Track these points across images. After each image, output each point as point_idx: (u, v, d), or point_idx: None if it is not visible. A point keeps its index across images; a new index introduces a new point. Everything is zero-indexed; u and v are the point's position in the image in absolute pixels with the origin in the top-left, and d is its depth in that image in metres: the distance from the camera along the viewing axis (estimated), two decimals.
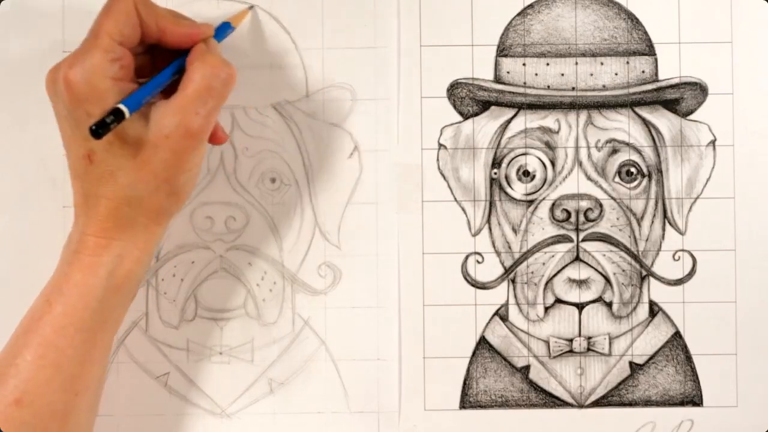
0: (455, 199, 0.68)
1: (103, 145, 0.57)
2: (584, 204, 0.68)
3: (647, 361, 0.68)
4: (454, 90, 0.68)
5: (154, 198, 0.58)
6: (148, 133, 0.57)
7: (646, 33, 0.68)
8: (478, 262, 0.68)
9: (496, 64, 0.68)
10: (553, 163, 0.68)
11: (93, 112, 0.56)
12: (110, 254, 0.58)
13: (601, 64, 0.68)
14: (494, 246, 0.68)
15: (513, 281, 0.68)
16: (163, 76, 0.59)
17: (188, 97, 0.57)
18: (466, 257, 0.68)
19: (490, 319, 0.68)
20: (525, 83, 0.68)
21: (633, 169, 0.68)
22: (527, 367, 0.68)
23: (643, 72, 0.68)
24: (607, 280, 0.68)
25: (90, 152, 0.57)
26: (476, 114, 0.68)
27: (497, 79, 0.68)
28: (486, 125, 0.68)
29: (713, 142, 0.68)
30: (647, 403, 0.68)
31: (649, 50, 0.68)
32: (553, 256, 0.68)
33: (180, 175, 0.58)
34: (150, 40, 0.60)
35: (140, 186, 0.57)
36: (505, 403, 0.68)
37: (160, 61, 0.60)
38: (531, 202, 0.68)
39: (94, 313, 0.58)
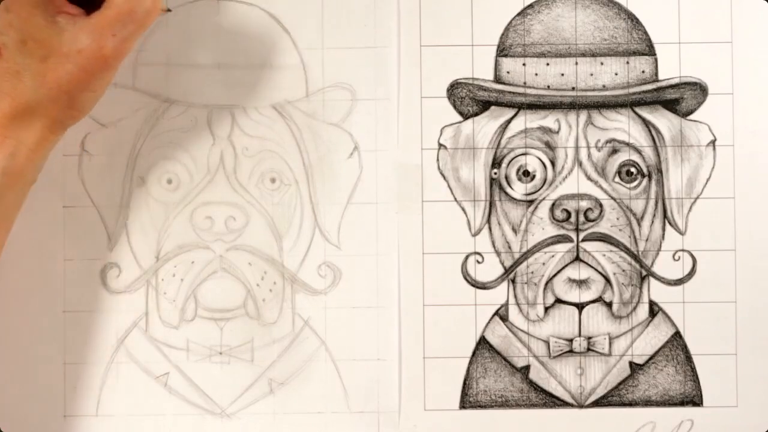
0: (455, 199, 0.68)
1: (16, 43, 0.57)
2: (584, 204, 0.68)
3: (647, 361, 0.68)
4: (454, 90, 0.68)
5: (52, 106, 0.58)
6: (62, 43, 0.57)
7: (646, 33, 0.68)
8: (478, 262, 0.68)
9: (496, 64, 0.68)
10: (553, 163, 0.68)
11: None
12: (4, 151, 0.58)
13: (601, 64, 0.68)
14: (494, 246, 0.68)
15: (513, 281, 0.68)
16: None
17: (108, 17, 0.57)
18: (466, 257, 0.68)
19: (490, 319, 0.68)
20: (525, 83, 0.68)
21: (633, 169, 0.68)
22: (527, 367, 0.68)
23: (643, 72, 0.68)
24: (607, 280, 0.68)
25: (1, 46, 0.58)
26: (476, 114, 0.68)
27: (497, 79, 0.68)
28: (486, 125, 0.68)
29: (713, 142, 0.68)
30: (647, 403, 0.68)
31: (649, 50, 0.68)
32: (553, 256, 0.68)
33: (82, 92, 0.58)
34: None
35: (42, 91, 0.58)
36: (505, 403, 0.68)
37: None
38: (531, 202, 0.68)
39: None
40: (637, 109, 0.68)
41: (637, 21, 0.68)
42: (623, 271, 0.68)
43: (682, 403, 0.68)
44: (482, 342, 0.68)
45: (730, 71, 0.68)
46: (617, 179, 0.68)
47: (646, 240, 0.68)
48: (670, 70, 0.68)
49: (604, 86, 0.68)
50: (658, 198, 0.68)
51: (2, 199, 0.59)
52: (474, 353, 0.68)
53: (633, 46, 0.68)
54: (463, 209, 0.68)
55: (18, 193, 0.61)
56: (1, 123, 0.58)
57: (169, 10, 0.64)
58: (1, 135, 0.58)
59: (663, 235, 0.68)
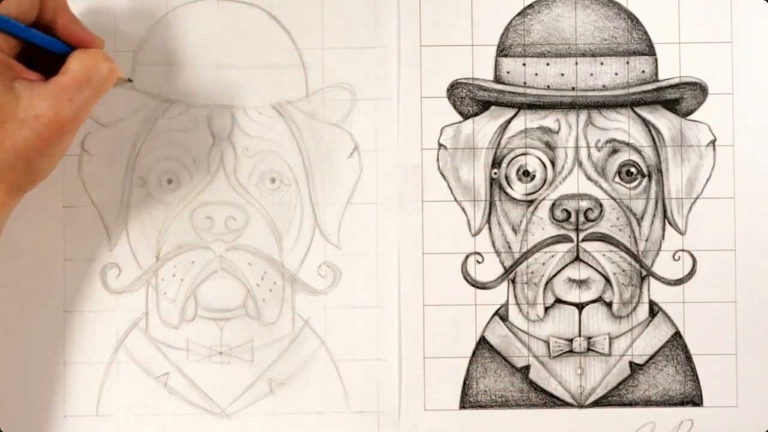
0: (455, 199, 0.68)
1: None
2: (584, 204, 0.68)
3: (647, 361, 0.68)
4: (454, 90, 0.68)
5: (9, 172, 0.58)
6: (18, 108, 0.57)
7: (646, 33, 0.68)
8: (478, 262, 0.68)
9: (496, 64, 0.68)
10: (553, 163, 0.68)
11: None
12: None
13: (601, 64, 0.68)
14: (494, 246, 0.68)
15: (513, 281, 0.68)
16: (41, 37, 0.58)
17: (64, 84, 0.57)
18: (466, 257, 0.68)
19: (490, 319, 0.68)
20: (525, 83, 0.68)
21: (633, 169, 0.68)
22: (527, 367, 0.68)
23: (643, 72, 0.68)
24: (607, 280, 0.68)
25: None
26: (476, 114, 0.68)
27: (497, 79, 0.68)
28: (486, 125, 0.68)
29: (713, 142, 0.68)
30: (647, 403, 0.68)
31: (649, 50, 0.68)
32: (553, 256, 0.68)
33: (39, 158, 0.58)
34: (42, 24, 0.59)
35: None
36: (505, 403, 0.68)
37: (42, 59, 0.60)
38: (531, 202, 0.68)
39: None
40: (637, 109, 0.68)
41: (637, 21, 0.68)
42: (623, 271, 0.68)
43: (682, 403, 0.68)
44: (482, 342, 0.68)
45: (730, 71, 0.68)
46: (617, 179, 0.68)
47: (646, 240, 0.68)
48: (670, 70, 0.68)
49: (604, 86, 0.68)
50: (658, 198, 0.68)
51: None
52: (474, 353, 0.68)
53: (633, 46, 0.68)
54: (463, 209, 0.68)
55: None
56: None
57: (129, 80, 0.64)
58: None
59: (663, 235, 0.68)
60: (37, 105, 0.57)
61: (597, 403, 0.68)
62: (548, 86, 0.68)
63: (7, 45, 0.58)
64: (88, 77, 0.58)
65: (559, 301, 0.68)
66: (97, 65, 0.58)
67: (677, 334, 0.68)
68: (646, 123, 0.68)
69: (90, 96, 0.58)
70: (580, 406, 0.68)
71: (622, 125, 0.68)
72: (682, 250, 0.68)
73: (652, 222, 0.68)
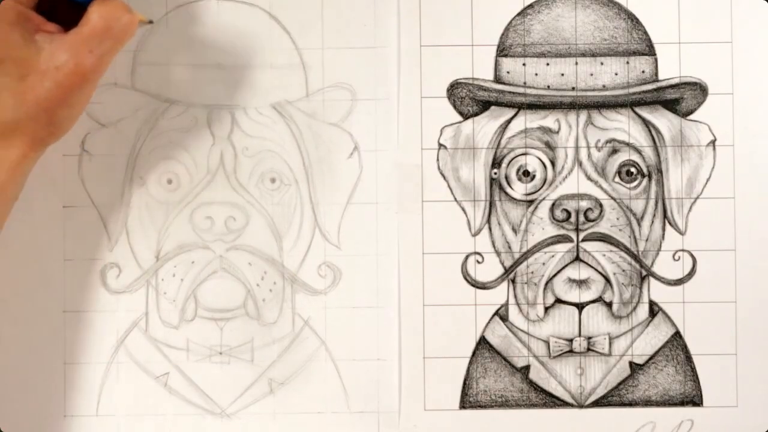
0: (455, 199, 0.68)
1: None
2: (584, 204, 0.68)
3: (647, 361, 0.68)
4: (454, 90, 0.68)
5: (32, 124, 0.58)
6: (39, 60, 0.57)
7: (646, 33, 0.68)
8: (478, 262, 0.68)
9: (496, 64, 0.68)
10: (553, 163, 0.68)
11: None
12: None
13: (601, 64, 0.68)
14: (494, 246, 0.68)
15: (513, 281, 0.68)
16: None
17: (84, 34, 0.58)
18: (466, 257, 0.68)
19: (490, 319, 0.68)
20: (525, 83, 0.68)
21: (633, 169, 0.68)
22: (527, 367, 0.68)
23: (643, 72, 0.68)
24: (607, 280, 0.68)
25: None
26: (476, 114, 0.68)
27: (497, 79, 0.68)
28: (486, 125, 0.68)
29: (713, 142, 0.68)
30: (647, 403, 0.68)
31: (649, 50, 0.68)
32: (553, 256, 0.68)
33: (62, 109, 0.58)
34: None
35: (21, 110, 0.58)
36: (505, 403, 0.68)
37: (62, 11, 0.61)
38: (531, 202, 0.68)
39: None
40: (637, 109, 0.68)
41: (637, 21, 0.68)
42: (623, 271, 0.68)
43: (682, 403, 0.68)
44: (482, 342, 0.68)
45: (730, 71, 0.68)
46: (617, 179, 0.68)
47: (646, 240, 0.68)
48: (670, 70, 0.68)
49: (604, 86, 0.68)
50: (658, 198, 0.68)
51: None
52: (474, 353, 0.68)
53: (633, 46, 0.68)
54: (463, 209, 0.68)
55: (0, 210, 0.61)
56: None
57: (150, 22, 0.64)
58: None
59: (663, 235, 0.68)
60: (58, 56, 0.57)
61: (597, 403, 0.68)
62: (548, 86, 0.68)
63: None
64: (108, 28, 0.58)
65: (559, 301, 0.68)
66: (117, 16, 0.58)
67: (677, 334, 0.68)
68: (646, 123, 0.68)
69: (111, 46, 0.58)
70: (580, 406, 0.68)
71: (622, 125, 0.68)
72: (682, 250, 0.68)
73: (652, 222, 0.68)
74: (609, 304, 0.68)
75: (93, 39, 0.58)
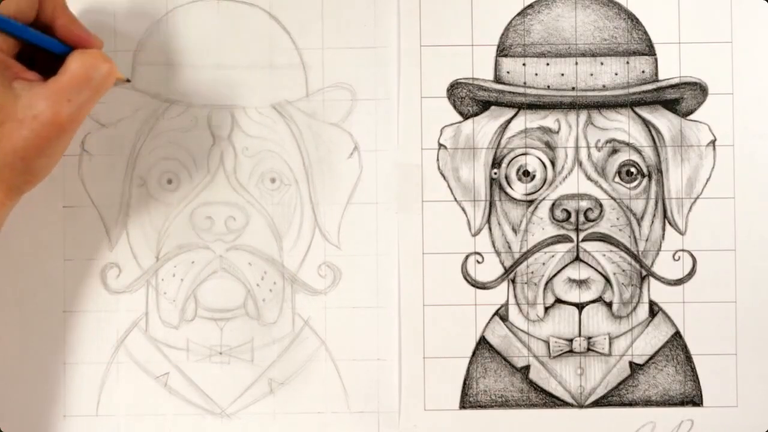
0: (455, 199, 0.68)
1: None
2: (584, 204, 0.68)
3: (647, 361, 0.68)
4: (454, 90, 0.68)
5: (7, 172, 0.58)
6: (17, 108, 0.57)
7: (646, 33, 0.68)
8: (478, 262, 0.68)
9: (496, 64, 0.68)
10: (553, 163, 0.68)
11: None
12: None
13: (601, 64, 0.68)
14: (494, 246, 0.68)
15: (513, 281, 0.68)
16: (40, 37, 0.58)
17: (63, 83, 0.57)
18: (466, 257, 0.68)
19: (490, 319, 0.68)
20: (525, 83, 0.68)
21: (633, 169, 0.68)
22: (527, 367, 0.68)
23: (643, 72, 0.68)
24: (607, 280, 0.68)
25: None
26: (476, 114, 0.68)
27: (497, 79, 0.68)
28: (486, 125, 0.68)
29: (713, 142, 0.68)
30: (647, 403, 0.68)
31: (649, 50, 0.68)
32: (553, 256, 0.68)
33: (39, 158, 0.58)
34: (41, 24, 0.59)
35: None
36: (505, 403, 0.68)
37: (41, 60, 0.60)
38: (531, 202, 0.68)
39: None
40: (637, 109, 0.68)
41: (637, 21, 0.68)
42: (623, 271, 0.68)
43: (682, 403, 0.68)
44: (482, 342, 0.68)
45: (730, 71, 0.68)
46: (617, 179, 0.68)
47: (646, 240, 0.68)
48: (670, 70, 0.68)
49: (604, 86, 0.68)
50: (658, 198, 0.68)
51: None
52: (474, 353, 0.68)
53: (633, 46, 0.68)
54: (463, 209, 0.68)
55: None
56: None
57: (128, 80, 0.64)
58: None
59: (663, 235, 0.68)
60: (36, 105, 0.57)
61: (597, 403, 0.68)
62: (548, 86, 0.68)
63: (6, 45, 0.58)
64: (87, 78, 0.58)
65: (559, 301, 0.68)
66: (97, 66, 0.58)
67: (677, 334, 0.68)
68: (646, 123, 0.68)
69: (89, 96, 0.58)
70: (580, 406, 0.68)
71: (622, 125, 0.68)
72: (682, 250, 0.68)
73: (652, 222, 0.68)
74: (609, 304, 0.68)
75: (72, 88, 0.57)
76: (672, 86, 0.68)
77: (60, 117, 0.57)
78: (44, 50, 0.59)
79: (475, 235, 0.68)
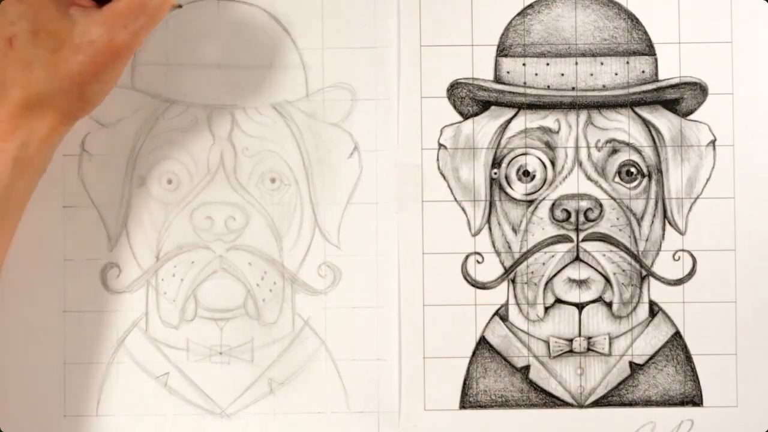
0: (455, 199, 0.68)
1: (28, 34, 0.57)
2: (584, 204, 0.68)
3: (647, 361, 0.68)
4: (454, 90, 0.68)
5: (63, 98, 0.58)
6: (73, 34, 0.57)
7: (646, 33, 0.68)
8: (478, 262, 0.68)
9: (496, 64, 0.68)
10: (553, 163, 0.68)
11: None
12: (15, 141, 0.58)
13: (601, 64, 0.68)
14: (494, 246, 0.68)
15: (513, 281, 0.68)
16: None
17: (120, 10, 0.57)
18: (466, 257, 0.68)
19: (490, 319, 0.68)
20: (525, 83, 0.68)
21: (633, 169, 0.68)
22: (527, 367, 0.68)
23: (643, 72, 0.68)
24: (607, 280, 0.68)
25: (12, 36, 0.58)
26: (476, 114, 0.68)
27: (497, 79, 0.68)
28: (486, 125, 0.68)
29: (713, 142, 0.68)
30: (647, 403, 0.68)
31: (649, 50, 0.68)
32: (553, 256, 0.68)
33: (93, 83, 0.59)
34: None
35: (53, 83, 0.58)
36: (505, 403, 0.68)
37: None
38: (531, 202, 0.68)
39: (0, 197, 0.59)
40: (637, 109, 0.68)
41: (637, 21, 0.68)
42: (623, 271, 0.68)
43: (682, 403, 0.68)
44: (482, 342, 0.68)
45: (730, 71, 0.68)
46: (617, 179, 0.68)
47: (646, 240, 0.68)
48: (670, 70, 0.68)
49: (604, 86, 0.68)
50: (658, 198, 0.68)
51: (13, 189, 0.59)
52: (474, 353, 0.68)
53: (633, 46, 0.68)
54: (463, 209, 0.68)
55: (28, 183, 0.61)
56: (13, 113, 0.58)
57: (179, 6, 0.64)
58: (13, 125, 0.58)
59: (663, 235, 0.68)
60: (92, 31, 0.57)
61: (597, 403, 0.68)
62: (548, 86, 0.68)
63: None
64: (142, 5, 0.58)
65: (559, 301, 0.68)
66: None
67: (677, 334, 0.68)
68: (646, 123, 0.68)
69: (144, 23, 0.58)
70: (580, 406, 0.68)
71: (622, 125, 0.68)
72: (682, 250, 0.68)
73: (652, 222, 0.68)
74: (609, 304, 0.68)
75: (128, 15, 0.57)
76: (672, 86, 0.68)
77: (116, 43, 0.57)
78: None
79: (475, 235, 0.68)
